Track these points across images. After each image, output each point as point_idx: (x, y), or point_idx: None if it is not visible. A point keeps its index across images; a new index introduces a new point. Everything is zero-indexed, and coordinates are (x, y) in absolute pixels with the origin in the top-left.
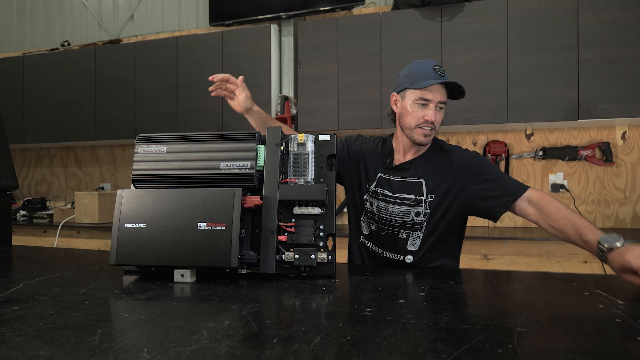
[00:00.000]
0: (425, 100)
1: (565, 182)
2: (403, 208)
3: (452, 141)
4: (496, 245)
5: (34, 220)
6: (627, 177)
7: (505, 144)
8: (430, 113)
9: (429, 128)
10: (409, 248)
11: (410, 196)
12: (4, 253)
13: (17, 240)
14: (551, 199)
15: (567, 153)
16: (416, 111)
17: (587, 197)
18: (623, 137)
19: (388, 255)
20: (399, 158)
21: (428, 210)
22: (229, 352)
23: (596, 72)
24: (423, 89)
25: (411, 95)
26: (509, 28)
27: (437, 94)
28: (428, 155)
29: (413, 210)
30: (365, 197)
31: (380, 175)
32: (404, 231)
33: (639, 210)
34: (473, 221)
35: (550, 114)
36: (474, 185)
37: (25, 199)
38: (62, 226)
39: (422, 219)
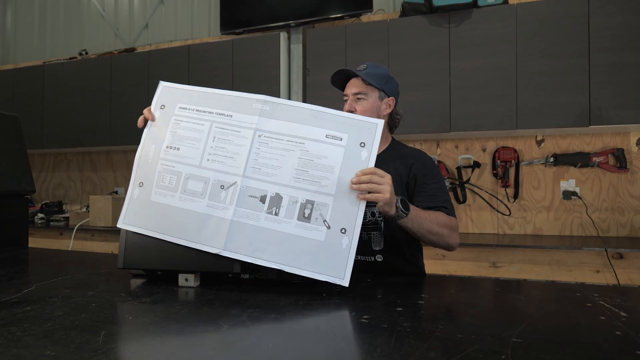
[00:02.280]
0: (345, 95)
1: (577, 189)
2: None
3: (461, 147)
4: (505, 253)
5: (51, 223)
6: None
7: (515, 150)
8: (347, 105)
9: None
10: (374, 248)
11: None
12: (21, 255)
13: (35, 242)
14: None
15: (579, 159)
16: (343, 108)
17: (601, 204)
18: (638, 143)
19: (358, 257)
20: None
21: None
22: (221, 355)
23: (608, 77)
24: (343, 89)
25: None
26: (518, 34)
27: (350, 88)
28: (383, 155)
29: (369, 210)
30: None
31: None
32: (365, 232)
33: None
34: (482, 228)
35: (560, 120)
36: (421, 183)
37: (43, 202)
38: (77, 229)
39: (378, 218)
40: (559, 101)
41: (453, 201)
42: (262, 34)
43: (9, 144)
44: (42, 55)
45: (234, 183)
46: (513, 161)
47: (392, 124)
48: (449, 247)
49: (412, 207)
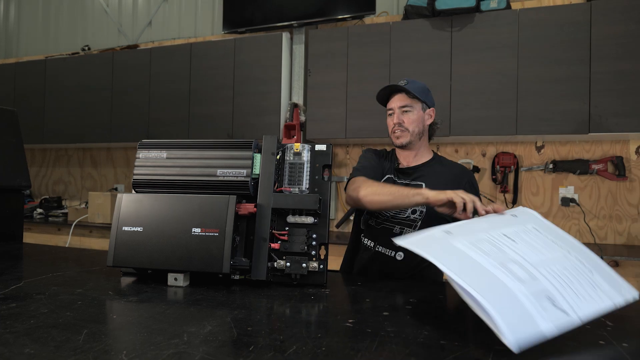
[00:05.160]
0: (390, 109)
1: (575, 196)
2: None
3: (461, 152)
4: None
5: (50, 219)
6: None
7: (515, 156)
8: (395, 117)
9: (398, 130)
10: None
11: None
12: (14, 250)
13: (33, 237)
14: None
15: (579, 166)
16: (388, 121)
17: (599, 212)
18: (637, 151)
19: (380, 249)
20: (403, 164)
21: (424, 209)
22: (204, 357)
23: (608, 85)
24: (387, 103)
25: (386, 112)
26: (520, 39)
27: (396, 102)
28: (430, 164)
29: (410, 207)
30: None
31: (388, 177)
32: (399, 227)
33: None
34: None
35: (560, 127)
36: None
37: (43, 197)
38: (75, 225)
39: (417, 216)
40: (559, 108)
41: None
42: (265, 33)
43: (6, 139)
44: (44, 50)
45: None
46: (512, 167)
47: (431, 133)
48: None
49: None
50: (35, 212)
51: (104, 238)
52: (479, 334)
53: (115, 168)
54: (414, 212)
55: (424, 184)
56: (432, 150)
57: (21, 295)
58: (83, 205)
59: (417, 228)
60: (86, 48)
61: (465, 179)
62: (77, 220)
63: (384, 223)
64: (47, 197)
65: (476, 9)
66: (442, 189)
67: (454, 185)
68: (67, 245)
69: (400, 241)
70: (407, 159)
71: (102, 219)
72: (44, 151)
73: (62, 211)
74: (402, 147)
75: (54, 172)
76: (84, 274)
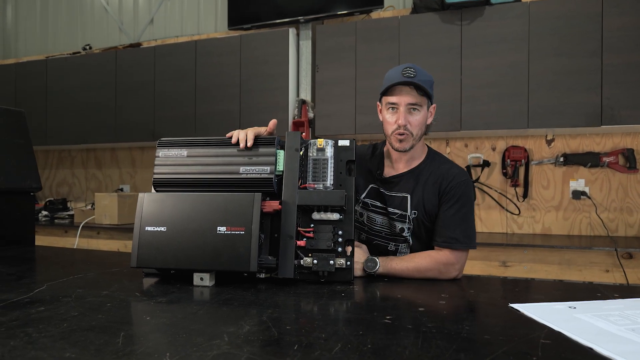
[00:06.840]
0: (393, 104)
1: (586, 189)
2: (390, 222)
3: (471, 146)
4: (515, 252)
5: (56, 221)
6: None
7: (525, 150)
8: (400, 117)
9: (402, 133)
10: None
11: (396, 211)
12: (28, 253)
13: (39, 240)
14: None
15: (589, 159)
16: (389, 117)
17: (610, 204)
18: None
19: None
20: (390, 170)
21: (411, 226)
22: (250, 357)
23: (620, 77)
24: (389, 93)
25: (384, 102)
26: (531, 32)
27: (404, 97)
28: (419, 169)
29: (398, 225)
30: (355, 207)
31: (372, 187)
32: (392, 243)
33: None
34: (491, 227)
35: (572, 120)
36: (442, 209)
37: (47, 199)
38: (82, 227)
39: (406, 234)
40: (570, 100)
41: None
42: (271, 29)
43: (15, 140)
44: (44, 50)
45: None
46: (523, 160)
47: (426, 130)
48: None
49: (382, 264)
50: (40, 214)
51: (111, 239)
52: (520, 328)
53: (120, 168)
54: (402, 230)
55: (409, 196)
56: (427, 146)
57: (47, 298)
58: (89, 207)
59: (410, 242)
60: (87, 47)
61: (448, 185)
62: (84, 222)
63: (377, 240)
64: (52, 199)
65: (486, 1)
66: (426, 199)
67: (433, 191)
68: (75, 247)
69: (516, 305)
70: (397, 163)
71: (109, 220)
72: (47, 152)
73: (68, 213)
74: (398, 150)
75: (57, 173)
76: (104, 275)
